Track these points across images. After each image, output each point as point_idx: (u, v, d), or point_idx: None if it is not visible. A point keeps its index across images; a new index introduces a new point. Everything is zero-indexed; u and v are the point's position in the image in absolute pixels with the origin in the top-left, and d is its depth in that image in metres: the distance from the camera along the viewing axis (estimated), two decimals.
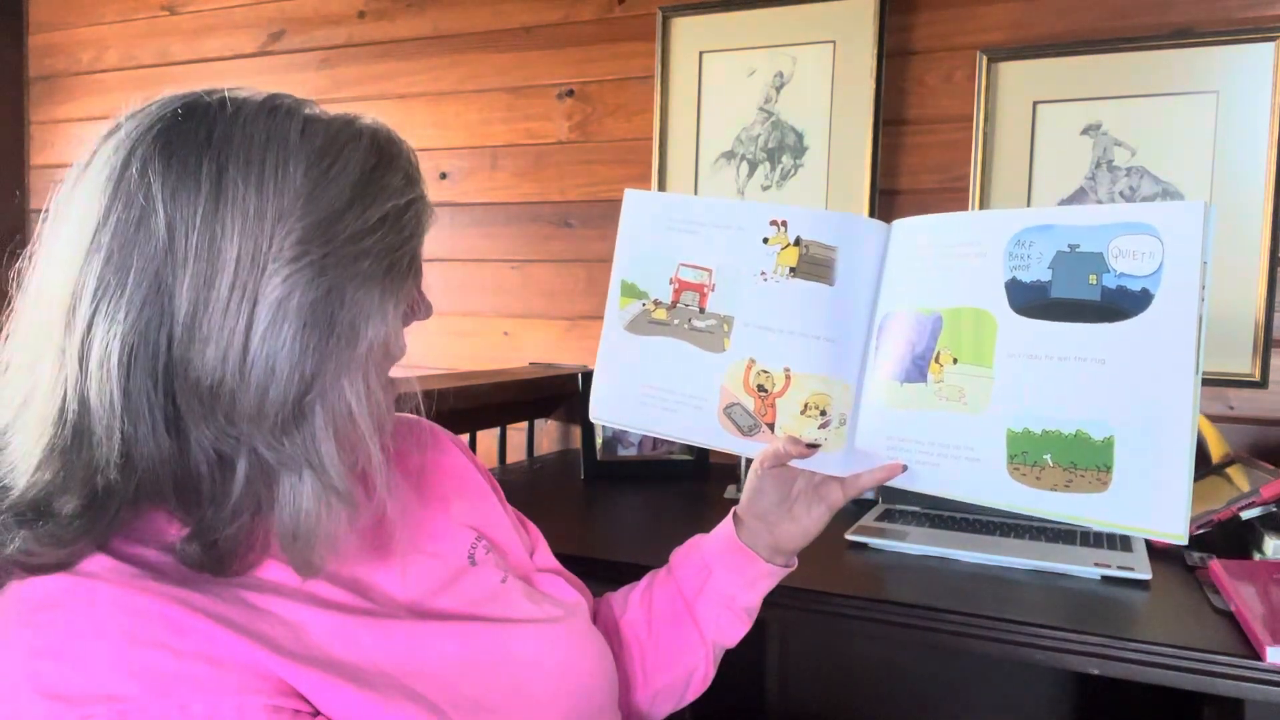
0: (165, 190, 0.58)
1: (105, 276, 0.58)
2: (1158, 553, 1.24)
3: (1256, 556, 1.22)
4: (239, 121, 0.61)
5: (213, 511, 0.60)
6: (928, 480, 0.78)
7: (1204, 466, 1.46)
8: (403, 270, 0.64)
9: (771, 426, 0.82)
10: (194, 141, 0.59)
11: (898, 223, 0.80)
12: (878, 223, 0.81)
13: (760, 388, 0.82)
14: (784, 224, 0.81)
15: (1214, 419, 1.58)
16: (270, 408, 0.59)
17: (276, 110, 0.62)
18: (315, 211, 0.60)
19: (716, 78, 1.97)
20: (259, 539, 0.63)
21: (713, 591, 0.88)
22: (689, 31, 1.98)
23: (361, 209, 0.62)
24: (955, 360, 0.76)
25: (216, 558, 0.60)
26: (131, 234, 0.58)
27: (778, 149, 1.93)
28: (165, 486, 0.60)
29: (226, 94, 0.63)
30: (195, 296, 0.57)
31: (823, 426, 0.81)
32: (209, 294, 0.57)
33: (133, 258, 0.58)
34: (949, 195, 1.83)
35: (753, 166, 1.95)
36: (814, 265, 0.80)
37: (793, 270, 0.81)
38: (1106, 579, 1.15)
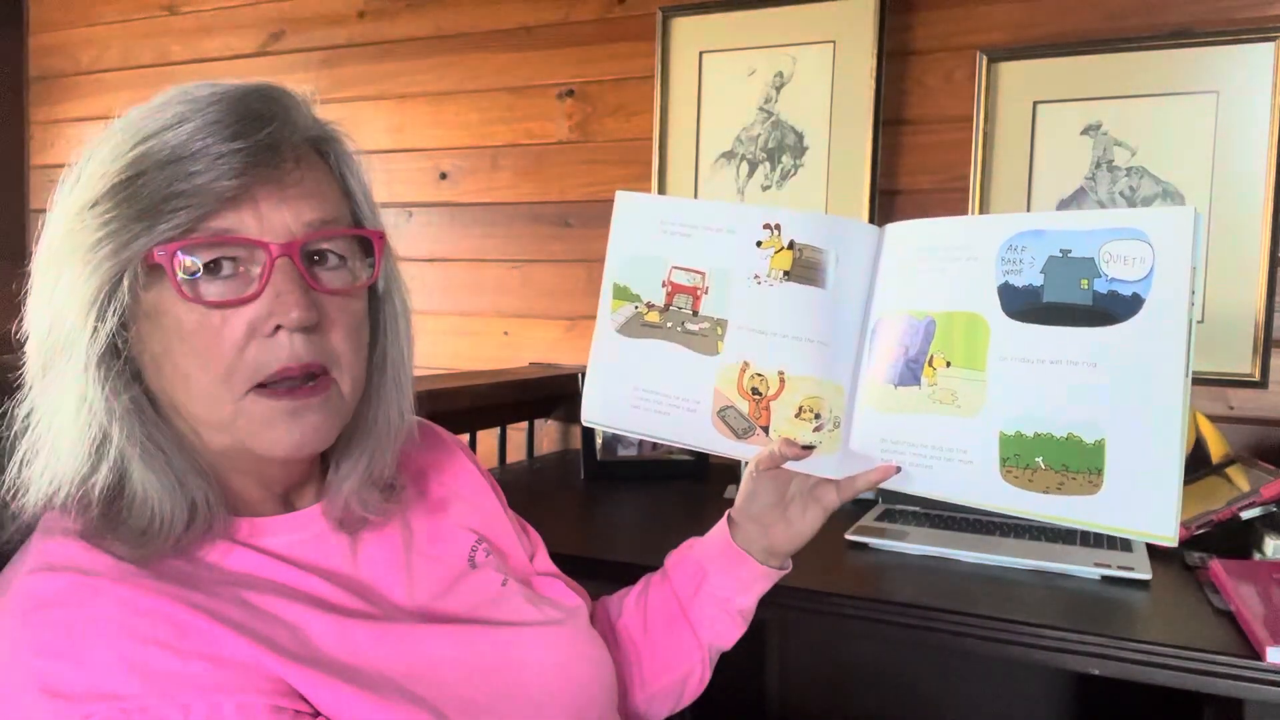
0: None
1: None
2: (1158, 553, 1.24)
3: (1256, 556, 1.22)
4: (123, 113, 0.64)
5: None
6: (921, 482, 0.78)
7: (1204, 466, 1.46)
8: (120, 243, 0.59)
9: (765, 429, 0.82)
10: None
11: (890, 227, 0.81)
12: (871, 226, 0.81)
13: (754, 390, 0.82)
14: (777, 227, 0.81)
15: (1214, 419, 1.57)
16: (29, 376, 0.63)
17: (160, 95, 0.64)
18: (81, 185, 0.62)
19: (716, 78, 1.97)
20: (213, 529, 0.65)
21: (708, 594, 0.88)
22: (689, 31, 1.98)
23: (101, 178, 0.60)
24: (948, 364, 0.76)
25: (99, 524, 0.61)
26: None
27: (778, 149, 1.93)
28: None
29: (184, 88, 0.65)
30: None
31: (817, 429, 0.81)
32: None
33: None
34: (949, 195, 1.83)
35: (753, 167, 1.95)
36: (807, 269, 0.80)
37: (786, 274, 0.81)
38: (1106, 579, 1.15)
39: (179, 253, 0.60)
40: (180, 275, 0.60)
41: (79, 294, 0.60)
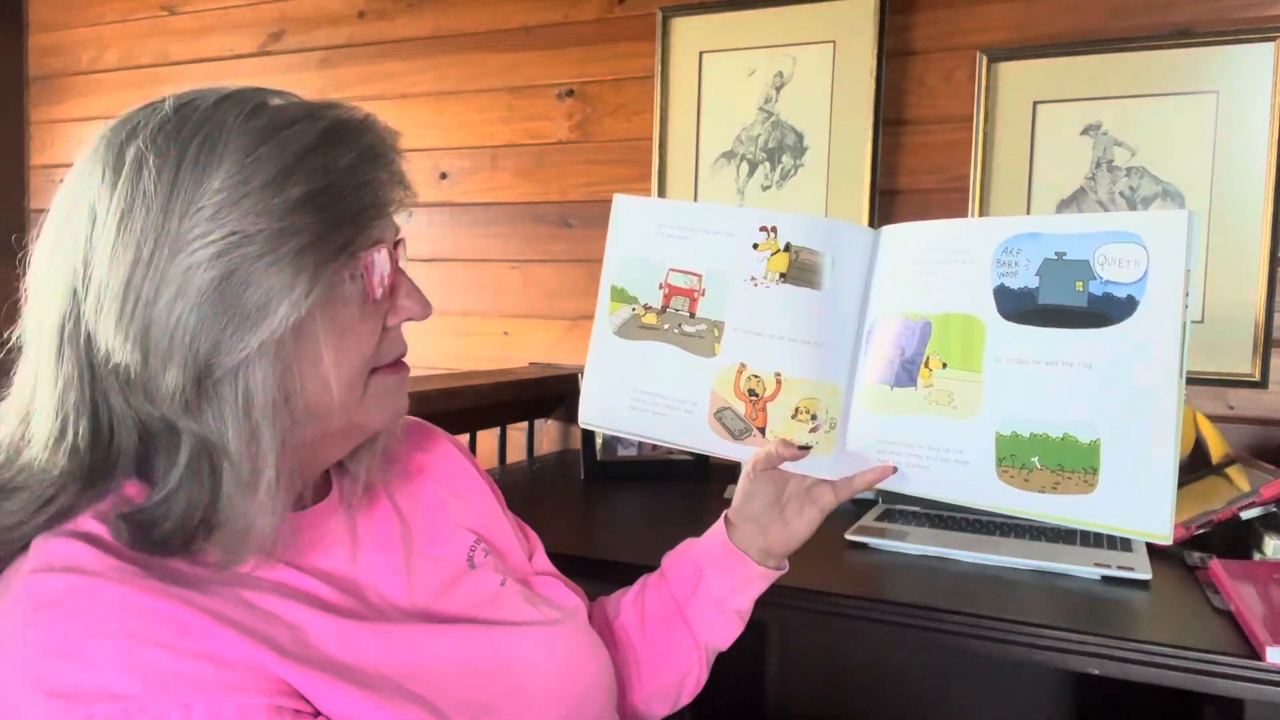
0: (94, 179, 0.62)
1: (48, 261, 0.63)
2: (1158, 553, 1.24)
3: (1256, 556, 1.22)
4: (182, 112, 0.62)
5: (161, 490, 0.61)
6: (918, 482, 0.79)
7: (1204, 466, 1.46)
8: (328, 251, 0.62)
9: (762, 431, 0.82)
10: (128, 132, 0.62)
11: (886, 229, 0.81)
12: (866, 229, 0.82)
13: (751, 392, 0.82)
14: (774, 230, 0.81)
15: (1214, 419, 1.58)
16: (170, 387, 0.60)
17: (226, 100, 0.63)
18: (230, 192, 0.59)
19: (716, 78, 1.97)
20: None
21: (704, 594, 0.88)
22: (689, 31, 1.98)
23: (281, 188, 0.60)
24: (944, 365, 0.77)
25: (153, 538, 0.60)
26: (64, 222, 0.62)
27: (778, 149, 1.93)
28: (110, 463, 0.62)
29: (208, 90, 0.64)
30: (105, 276, 0.60)
31: (813, 430, 0.81)
32: (117, 274, 0.59)
33: (64, 243, 0.62)
34: (949, 195, 1.83)
35: (753, 167, 1.95)
36: (804, 271, 0.81)
37: (783, 276, 0.81)
38: (1106, 579, 1.15)
39: (373, 258, 0.66)
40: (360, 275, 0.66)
41: (285, 306, 0.60)
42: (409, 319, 0.70)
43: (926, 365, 0.77)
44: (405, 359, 0.73)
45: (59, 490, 0.61)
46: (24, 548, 0.61)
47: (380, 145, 0.66)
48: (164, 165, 0.60)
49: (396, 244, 0.70)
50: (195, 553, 0.62)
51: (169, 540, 0.60)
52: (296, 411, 0.64)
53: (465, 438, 1.83)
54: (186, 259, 0.59)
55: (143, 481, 0.63)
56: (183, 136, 0.61)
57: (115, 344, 0.60)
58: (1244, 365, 1.65)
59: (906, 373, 0.78)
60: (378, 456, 0.76)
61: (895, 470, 0.79)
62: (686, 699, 0.91)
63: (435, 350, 2.25)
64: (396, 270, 0.69)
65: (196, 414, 0.60)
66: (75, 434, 0.61)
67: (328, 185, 0.62)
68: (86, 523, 0.60)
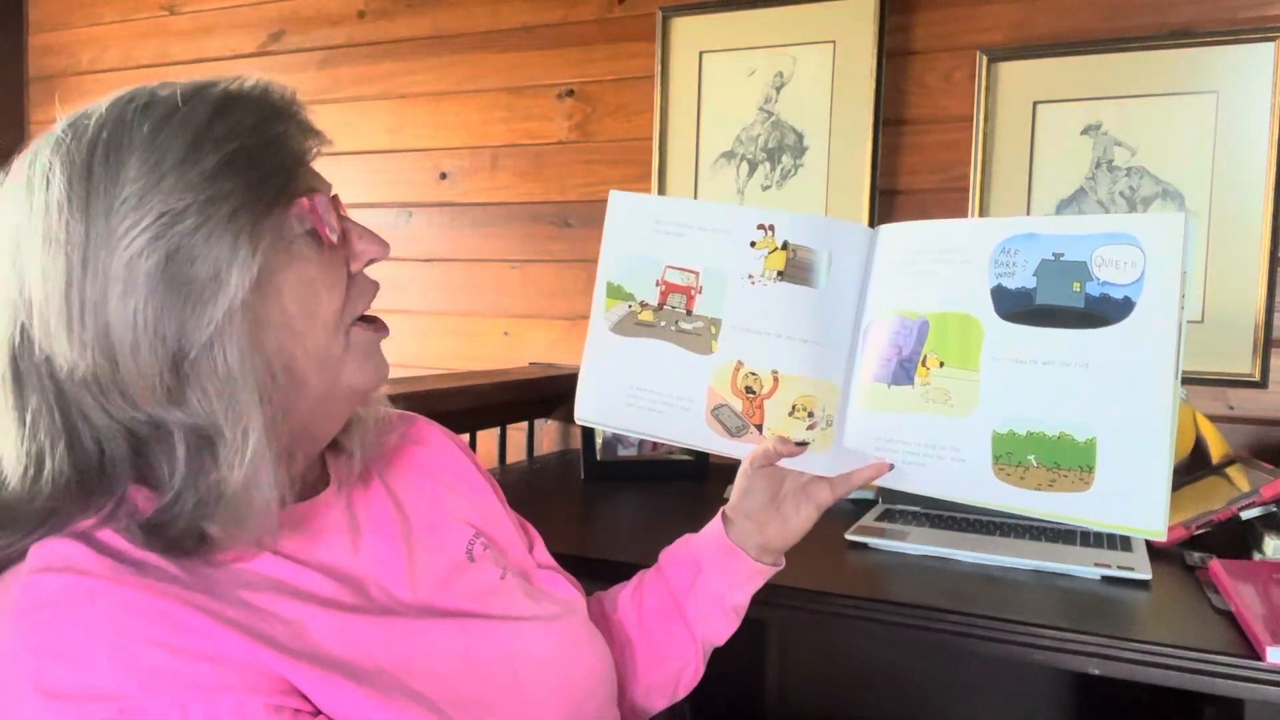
0: (5, 212, 0.62)
1: None
2: (1158, 553, 1.24)
3: (1256, 556, 1.22)
4: (76, 124, 0.63)
5: (169, 491, 0.60)
6: (915, 480, 0.79)
7: (1204, 466, 1.46)
8: (259, 208, 0.62)
9: (759, 428, 0.83)
10: (29, 160, 0.62)
11: (884, 228, 0.81)
12: (864, 228, 0.82)
13: (748, 389, 0.83)
14: (771, 228, 0.82)
15: (1214, 419, 1.57)
16: (149, 380, 0.59)
17: (116, 102, 0.64)
18: (147, 178, 0.60)
19: (716, 78, 1.97)
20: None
21: (702, 590, 0.88)
22: (689, 31, 1.98)
23: (195, 162, 0.60)
24: (942, 364, 0.77)
25: (168, 538, 0.60)
26: None
27: (778, 149, 1.93)
28: (107, 479, 0.61)
29: (95, 102, 0.64)
30: (44, 293, 0.59)
31: (810, 428, 0.81)
32: (55, 286, 0.59)
33: None
34: (949, 195, 1.83)
35: (753, 167, 1.95)
36: (801, 269, 0.81)
37: (780, 274, 0.81)
38: (1106, 579, 1.15)
39: (314, 204, 0.66)
40: (309, 226, 0.66)
41: (236, 271, 0.60)
42: (371, 260, 0.70)
43: (924, 363, 0.78)
44: (390, 332, 0.73)
45: (51, 512, 0.60)
46: (23, 553, 0.61)
47: (279, 101, 0.67)
48: (73, 173, 0.60)
49: (334, 196, 0.70)
50: (209, 550, 0.62)
51: (183, 539, 0.60)
52: (277, 374, 0.64)
53: (465, 438, 1.83)
54: (124, 252, 0.59)
55: (149, 488, 0.62)
56: (85, 143, 0.61)
57: (75, 355, 0.59)
58: (1244, 365, 1.64)
59: (904, 371, 0.78)
60: (371, 433, 0.76)
61: (892, 467, 0.80)
62: (684, 692, 0.92)
63: (435, 350, 2.24)
64: (343, 218, 0.69)
65: (181, 401, 0.60)
66: (53, 462, 0.60)
67: (239, 148, 0.62)
68: (86, 525, 0.60)
